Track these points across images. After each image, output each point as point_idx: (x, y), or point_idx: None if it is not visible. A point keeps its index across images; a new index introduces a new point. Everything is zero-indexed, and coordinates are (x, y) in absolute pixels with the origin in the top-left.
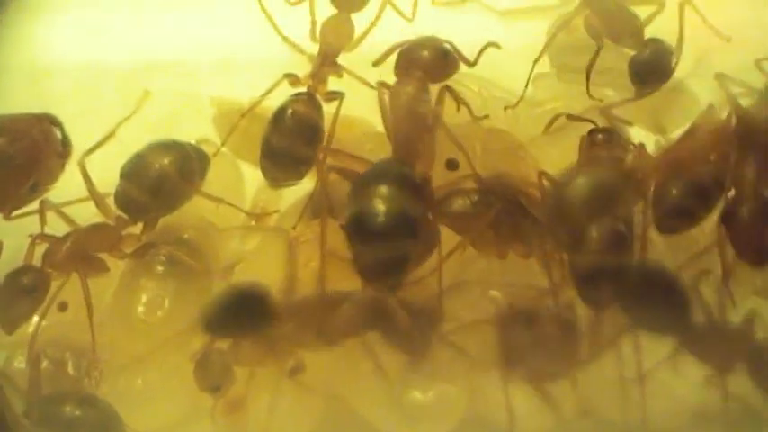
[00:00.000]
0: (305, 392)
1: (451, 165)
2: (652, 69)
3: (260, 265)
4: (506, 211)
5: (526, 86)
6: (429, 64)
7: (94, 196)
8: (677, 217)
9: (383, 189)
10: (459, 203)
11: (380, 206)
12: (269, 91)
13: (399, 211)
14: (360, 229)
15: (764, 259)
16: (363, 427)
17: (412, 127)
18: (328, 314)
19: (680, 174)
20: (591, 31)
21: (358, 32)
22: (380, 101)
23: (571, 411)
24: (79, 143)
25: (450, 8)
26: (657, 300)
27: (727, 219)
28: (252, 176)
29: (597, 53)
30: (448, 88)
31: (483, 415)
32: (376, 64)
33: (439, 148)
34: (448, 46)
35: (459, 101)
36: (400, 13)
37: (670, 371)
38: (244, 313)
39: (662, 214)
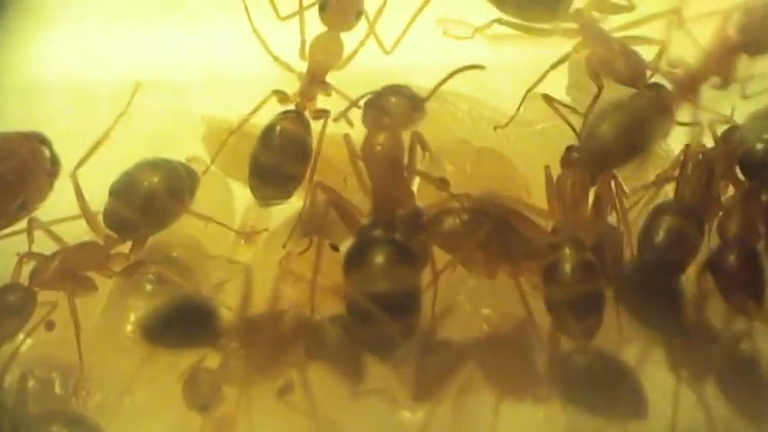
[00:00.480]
0: (294, 412)
1: (442, 184)
2: None
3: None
4: (496, 231)
5: (518, 108)
6: (397, 111)
7: (85, 212)
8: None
9: (379, 263)
10: (449, 223)
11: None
12: (257, 108)
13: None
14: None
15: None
16: None
17: (390, 175)
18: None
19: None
20: (591, 72)
21: (347, 51)
22: (350, 152)
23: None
24: (70, 162)
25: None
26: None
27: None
28: (241, 195)
29: (597, 96)
30: (417, 135)
31: None
32: (337, 119)
33: None
34: (411, 90)
35: (426, 148)
36: (380, 44)
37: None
38: (185, 325)
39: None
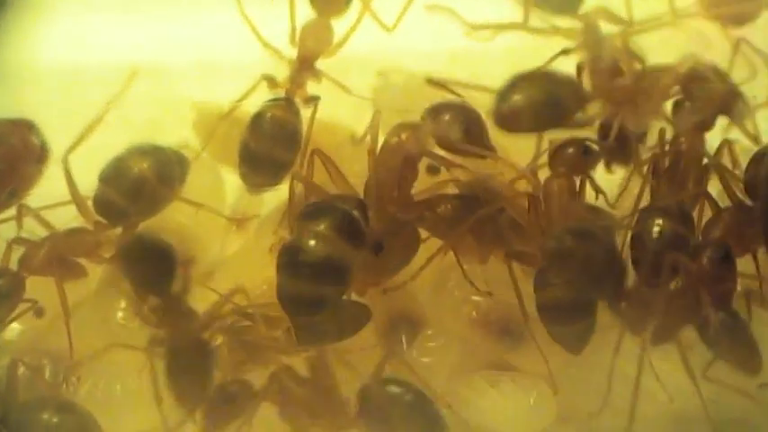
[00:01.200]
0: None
1: (432, 170)
2: None
3: (240, 269)
4: (487, 216)
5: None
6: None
7: (76, 198)
8: None
9: (322, 227)
10: (440, 208)
11: (312, 244)
12: (247, 94)
13: (327, 255)
14: (288, 260)
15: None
16: None
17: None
18: None
19: None
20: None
21: (337, 37)
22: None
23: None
24: (60, 148)
25: (432, 14)
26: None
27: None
28: (232, 181)
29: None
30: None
31: (463, 419)
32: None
33: None
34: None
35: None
36: (380, 23)
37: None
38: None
39: None
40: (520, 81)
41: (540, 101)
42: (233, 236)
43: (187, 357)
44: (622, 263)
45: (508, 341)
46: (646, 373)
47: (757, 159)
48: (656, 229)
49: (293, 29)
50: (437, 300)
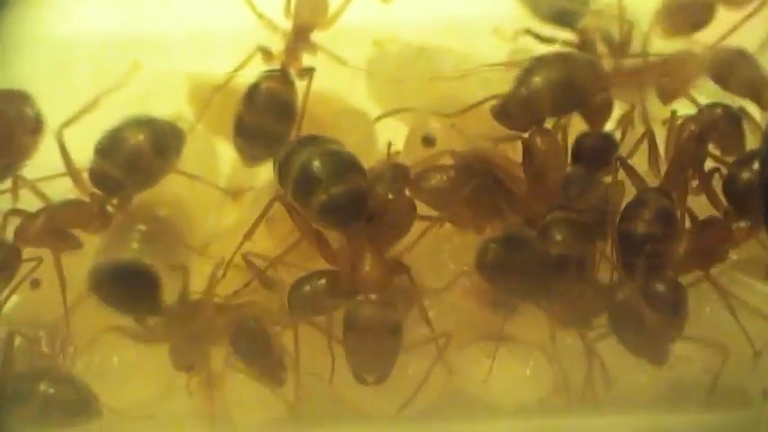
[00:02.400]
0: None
1: (428, 141)
2: None
3: (236, 242)
4: (483, 187)
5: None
6: None
7: (71, 170)
8: None
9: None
10: (435, 179)
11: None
12: (242, 65)
13: (333, 151)
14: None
15: None
16: (337, 401)
17: None
18: None
19: None
20: None
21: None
22: None
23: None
24: (54, 121)
25: None
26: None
27: None
28: (227, 153)
29: None
30: None
31: (459, 389)
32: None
33: None
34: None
35: None
36: None
37: None
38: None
39: None
40: (538, 64)
41: (559, 83)
42: (228, 208)
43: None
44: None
45: (503, 311)
46: None
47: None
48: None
49: (288, 1)
50: (432, 271)
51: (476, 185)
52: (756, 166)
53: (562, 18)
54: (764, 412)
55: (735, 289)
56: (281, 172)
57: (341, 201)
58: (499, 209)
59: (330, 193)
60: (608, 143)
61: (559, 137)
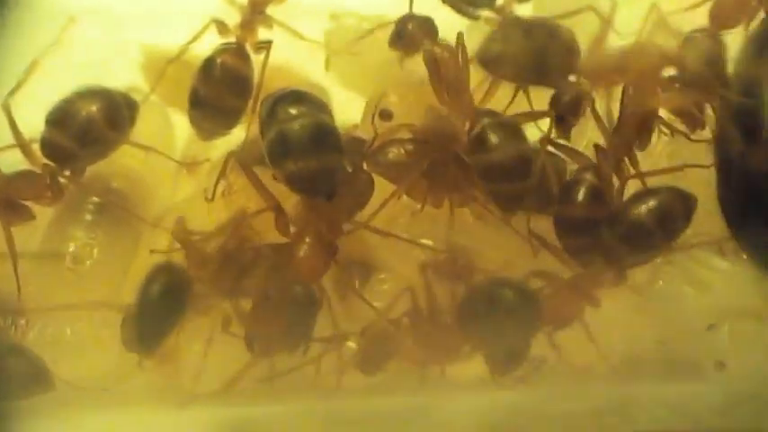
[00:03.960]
0: (233, 342)
1: (385, 115)
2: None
3: (191, 214)
4: (441, 160)
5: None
6: None
7: (20, 142)
8: None
9: (292, 110)
10: (393, 153)
11: (298, 123)
12: (197, 37)
13: (316, 124)
14: (283, 147)
15: None
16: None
17: None
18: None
19: None
20: None
21: None
22: None
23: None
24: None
25: None
26: None
27: None
28: (183, 124)
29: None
30: None
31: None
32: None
33: None
34: None
35: None
36: None
37: None
38: None
39: None
40: (513, 27)
41: (526, 52)
42: (184, 180)
43: None
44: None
45: (459, 285)
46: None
47: None
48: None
49: None
50: (387, 243)
51: (433, 159)
52: None
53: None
54: (718, 384)
55: (689, 263)
56: (264, 123)
57: (311, 175)
58: (457, 182)
59: (300, 165)
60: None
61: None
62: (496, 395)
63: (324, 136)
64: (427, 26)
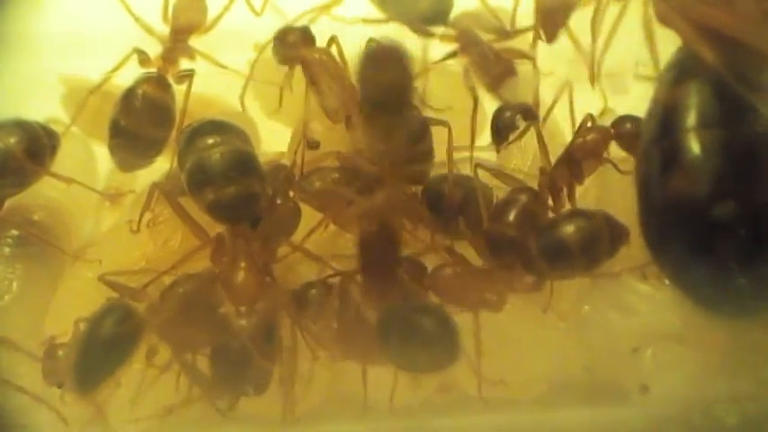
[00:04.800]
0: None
1: (312, 143)
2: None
3: (114, 246)
4: (367, 188)
5: None
6: None
7: None
8: None
9: (209, 139)
10: (320, 181)
11: (216, 151)
12: (117, 67)
13: (233, 151)
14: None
15: None
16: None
17: None
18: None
19: None
20: (466, 81)
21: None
22: None
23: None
24: None
25: None
26: None
27: None
28: (106, 156)
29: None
30: None
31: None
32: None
33: None
34: None
35: None
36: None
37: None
38: None
39: None
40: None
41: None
42: (107, 212)
43: None
44: None
45: None
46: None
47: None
48: None
49: (166, 4)
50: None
51: (360, 186)
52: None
53: (432, 17)
54: (642, 408)
55: (613, 287)
56: (181, 153)
57: (230, 202)
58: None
59: (220, 193)
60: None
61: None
62: (421, 421)
63: (242, 163)
64: (304, 35)
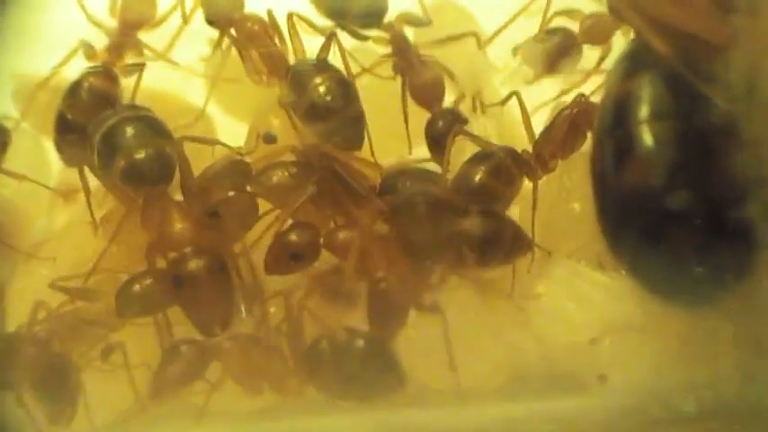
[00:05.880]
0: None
1: (269, 139)
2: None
3: (68, 243)
4: (324, 182)
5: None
6: None
7: None
8: None
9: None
10: (276, 176)
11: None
12: (65, 61)
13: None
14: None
15: None
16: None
17: None
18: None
19: None
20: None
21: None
22: None
23: None
24: None
25: None
26: None
27: None
28: None
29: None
30: None
31: None
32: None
33: None
34: None
35: None
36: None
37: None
38: None
39: None
40: None
41: None
42: (60, 209)
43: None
44: None
45: (343, 303)
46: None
47: None
48: None
49: None
50: None
51: (316, 181)
52: None
53: (367, 19)
54: (600, 398)
55: (571, 278)
56: (90, 138)
57: (143, 164)
58: (341, 204)
59: (131, 158)
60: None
61: None
62: (376, 415)
63: (149, 126)
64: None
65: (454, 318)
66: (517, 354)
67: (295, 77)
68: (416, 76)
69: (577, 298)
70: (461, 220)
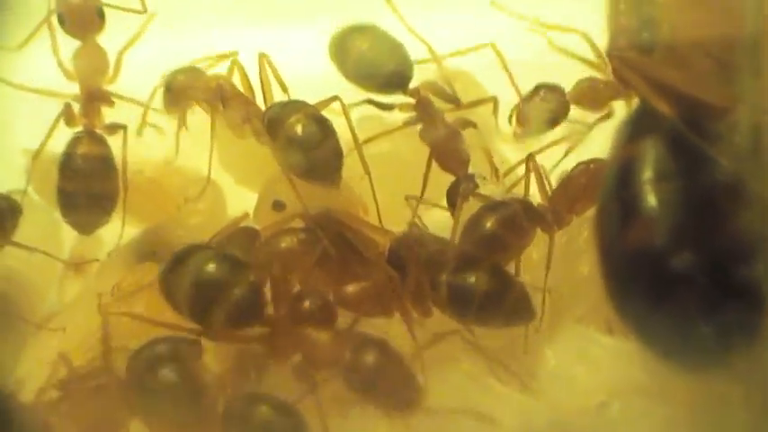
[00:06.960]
0: None
1: (278, 206)
2: None
3: (80, 315)
4: (334, 248)
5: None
6: None
7: None
8: None
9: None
10: (286, 242)
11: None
12: (51, 130)
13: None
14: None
15: None
16: None
17: None
18: None
19: None
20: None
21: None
22: None
23: None
24: None
25: None
26: None
27: None
28: None
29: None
30: None
31: None
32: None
33: None
34: None
35: None
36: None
37: None
38: None
39: None
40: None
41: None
42: (71, 280)
43: None
44: None
45: None
46: None
47: None
48: None
49: (60, 63)
50: None
51: (324, 247)
52: None
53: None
54: None
55: (579, 342)
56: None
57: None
58: (350, 270)
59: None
60: None
61: None
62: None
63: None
64: (193, 75)
65: (459, 382)
66: (525, 418)
67: (271, 119)
68: (443, 141)
69: (586, 361)
70: (465, 274)
